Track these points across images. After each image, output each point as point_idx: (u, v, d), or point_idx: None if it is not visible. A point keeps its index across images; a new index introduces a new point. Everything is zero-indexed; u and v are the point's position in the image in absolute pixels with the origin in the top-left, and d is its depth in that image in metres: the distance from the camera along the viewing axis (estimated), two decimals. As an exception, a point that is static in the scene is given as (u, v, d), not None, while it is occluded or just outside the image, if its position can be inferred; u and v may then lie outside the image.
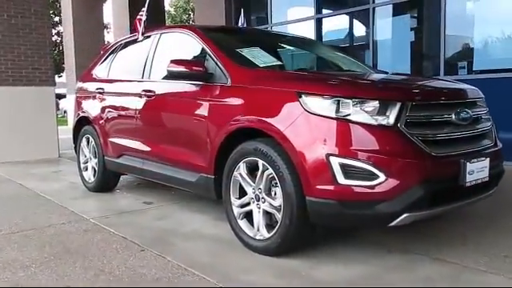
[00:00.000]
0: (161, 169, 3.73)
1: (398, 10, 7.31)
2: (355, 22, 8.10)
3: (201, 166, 3.28)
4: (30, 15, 7.55)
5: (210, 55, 3.34)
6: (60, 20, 20.97)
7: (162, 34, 4.09)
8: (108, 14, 19.49)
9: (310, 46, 4.51)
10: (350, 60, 4.16)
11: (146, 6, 4.32)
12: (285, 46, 4.24)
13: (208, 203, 4.13)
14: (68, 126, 14.94)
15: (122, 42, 4.79)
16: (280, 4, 9.19)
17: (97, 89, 4.70)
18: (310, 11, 8.52)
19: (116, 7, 13.71)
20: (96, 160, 4.74)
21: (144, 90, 3.89)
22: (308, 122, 2.57)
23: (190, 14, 29.29)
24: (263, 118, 2.75)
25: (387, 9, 7.40)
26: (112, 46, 4.93)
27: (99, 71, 4.93)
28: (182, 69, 3.24)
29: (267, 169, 2.76)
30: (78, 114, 5.03)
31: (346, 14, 8.17)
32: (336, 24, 8.49)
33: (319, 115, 2.54)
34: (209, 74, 3.25)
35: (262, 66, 3.26)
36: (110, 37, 25.22)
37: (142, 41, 4.33)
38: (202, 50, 3.46)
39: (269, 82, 2.90)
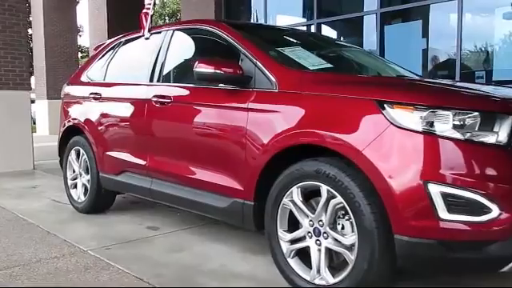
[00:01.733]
0: (177, 191, 3.10)
1: (406, 16, 6.92)
2: (359, 27, 7.65)
3: (235, 189, 2.68)
4: (4, 11, 6.78)
5: (246, 55, 2.75)
6: (29, 21, 19.88)
7: (175, 30, 3.47)
8: (80, 16, 18.61)
9: (345, 48, 3.96)
10: (391, 65, 3.63)
11: (154, -2, 3.71)
12: (320, 46, 3.67)
13: (224, 228, 3.54)
14: (37, 134, 14.02)
15: (122, 39, 4.14)
16: (275, 8, 8.66)
17: (91, 93, 4.03)
18: (308, 16, 8.05)
19: (92, 8, 12.92)
20: (88, 176, 4.05)
21: (156, 96, 3.26)
22: (396, 139, 2.02)
23: (165, 19, 28.49)
24: (332, 133, 2.18)
25: (395, 15, 6.99)
26: (109, 45, 4.26)
27: (93, 73, 4.26)
28: (213, 70, 2.64)
29: (334, 197, 2.19)
30: (66, 123, 4.34)
31: (349, 19, 7.72)
32: (338, 30, 8.04)
33: (411, 130, 1.99)
34: (246, 78, 2.67)
35: (311, 68, 2.70)
36: (82, 40, 24.21)
37: (148, 38, 3.70)
38: (234, 48, 2.87)
39: (334, 87, 2.34)
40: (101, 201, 4.07)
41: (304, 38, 3.66)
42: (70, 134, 4.32)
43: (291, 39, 3.42)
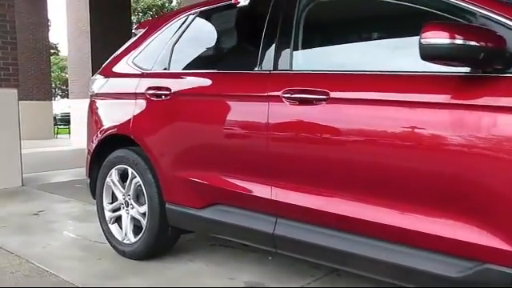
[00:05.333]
0: (341, 243, 1.92)
1: None
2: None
3: (491, 248, 1.54)
4: (-17, -11, 5.37)
5: (489, 18, 1.63)
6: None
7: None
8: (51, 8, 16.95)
9: None
10: None
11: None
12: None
13: (354, 281, 2.41)
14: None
15: (195, 10, 2.87)
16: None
17: (150, 88, 2.76)
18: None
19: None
20: (143, 208, 2.80)
21: (292, 90, 2.07)
22: None
23: (139, 15, 26.73)
24: None
25: None
26: (168, 19, 2.99)
27: (145, 59, 2.96)
28: (460, 42, 1.49)
29: None
30: (103, 132, 3.05)
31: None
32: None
33: None
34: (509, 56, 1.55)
35: None
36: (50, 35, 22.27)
37: (245, 6, 2.50)
38: (453, 10, 1.74)
39: None
40: (163, 243, 2.84)
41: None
42: (107, 147, 3.05)
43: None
